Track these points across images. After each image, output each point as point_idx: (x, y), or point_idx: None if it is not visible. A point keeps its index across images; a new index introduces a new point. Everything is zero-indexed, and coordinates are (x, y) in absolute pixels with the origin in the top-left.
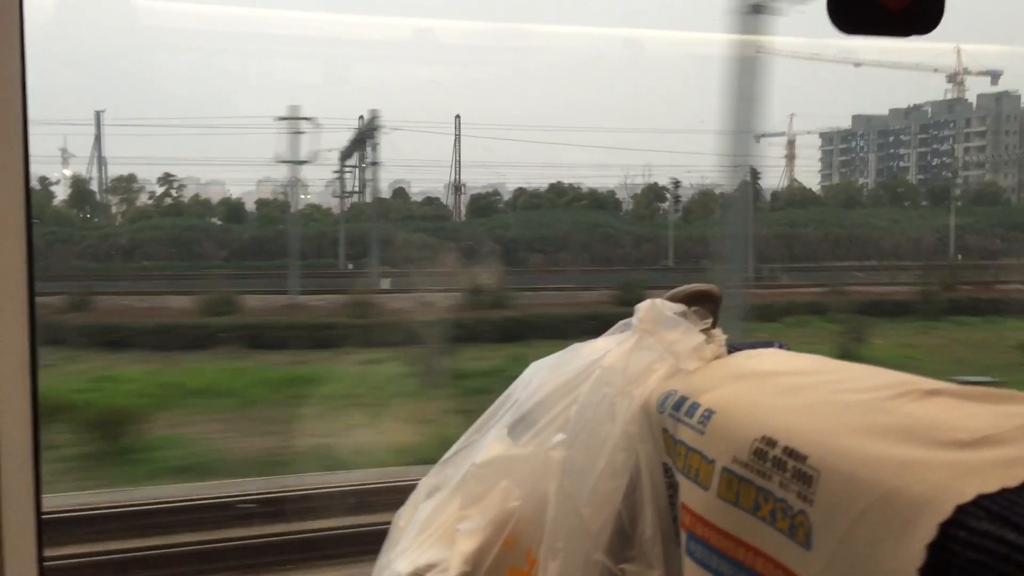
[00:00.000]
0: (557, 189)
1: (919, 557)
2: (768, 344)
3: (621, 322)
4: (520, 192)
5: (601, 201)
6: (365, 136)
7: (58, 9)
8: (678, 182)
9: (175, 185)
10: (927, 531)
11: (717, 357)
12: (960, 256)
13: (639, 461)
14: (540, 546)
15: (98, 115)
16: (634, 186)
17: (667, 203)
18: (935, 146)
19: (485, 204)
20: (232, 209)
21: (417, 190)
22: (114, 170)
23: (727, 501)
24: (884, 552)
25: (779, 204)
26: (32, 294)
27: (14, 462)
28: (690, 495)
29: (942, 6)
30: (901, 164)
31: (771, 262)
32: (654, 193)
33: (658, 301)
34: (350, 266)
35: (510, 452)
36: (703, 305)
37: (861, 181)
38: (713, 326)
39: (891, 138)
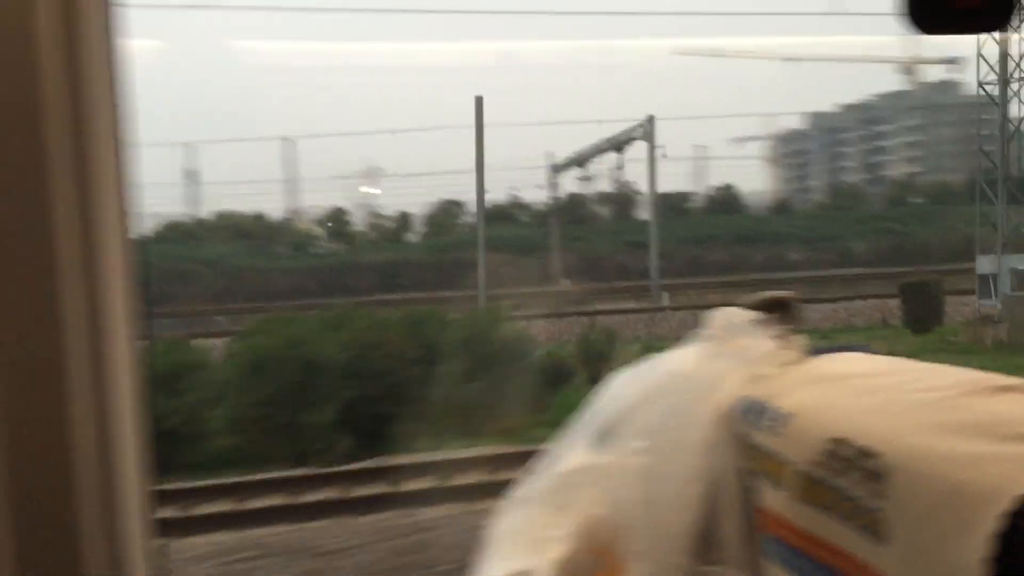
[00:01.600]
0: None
1: (983, 548)
2: (855, 348)
3: (697, 331)
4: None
5: (245, 230)
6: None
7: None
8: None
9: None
10: (990, 522)
11: (795, 362)
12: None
13: (719, 466)
14: (627, 552)
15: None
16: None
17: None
18: (875, 142)
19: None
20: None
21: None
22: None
23: (804, 501)
24: (952, 544)
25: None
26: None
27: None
28: (768, 497)
29: (1014, 1)
30: (846, 163)
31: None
32: (336, 218)
33: (732, 309)
34: None
35: (595, 461)
36: (780, 312)
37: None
38: (791, 331)
39: (838, 136)
